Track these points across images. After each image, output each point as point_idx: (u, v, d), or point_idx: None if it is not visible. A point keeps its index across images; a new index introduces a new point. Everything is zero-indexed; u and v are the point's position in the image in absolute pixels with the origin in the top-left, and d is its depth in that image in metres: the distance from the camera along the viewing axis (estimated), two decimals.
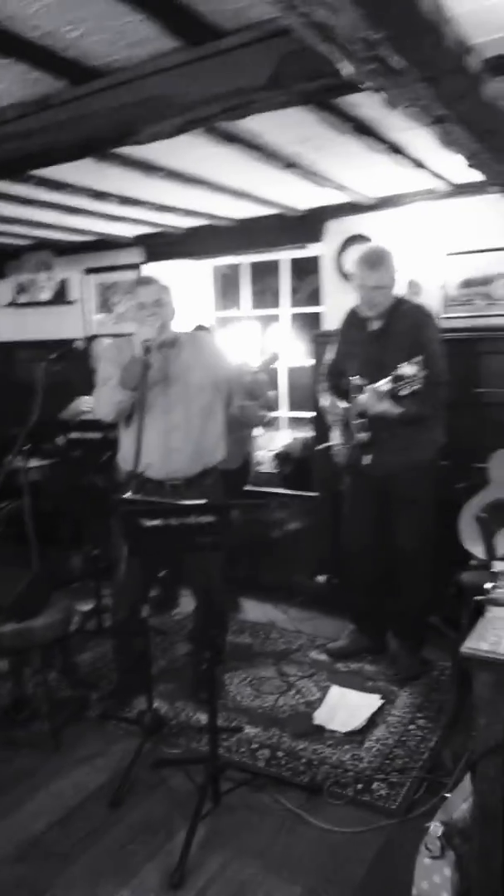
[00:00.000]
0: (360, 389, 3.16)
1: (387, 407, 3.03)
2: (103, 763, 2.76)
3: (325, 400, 3.50)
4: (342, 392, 3.37)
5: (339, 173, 3.42)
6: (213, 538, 2.24)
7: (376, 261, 3.10)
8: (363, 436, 3.20)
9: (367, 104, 2.42)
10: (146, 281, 2.96)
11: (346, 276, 4.19)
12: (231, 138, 2.71)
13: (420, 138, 2.76)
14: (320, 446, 3.66)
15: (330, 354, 3.58)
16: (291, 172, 3.25)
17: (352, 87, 1.83)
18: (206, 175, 3.31)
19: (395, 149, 2.98)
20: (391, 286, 3.16)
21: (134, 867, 2.21)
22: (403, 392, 2.84)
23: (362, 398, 3.08)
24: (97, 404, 2.95)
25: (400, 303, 3.24)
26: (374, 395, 3.00)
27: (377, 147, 2.91)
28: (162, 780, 2.64)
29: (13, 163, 2.42)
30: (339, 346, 3.48)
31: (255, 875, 2.16)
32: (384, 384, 2.92)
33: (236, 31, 1.88)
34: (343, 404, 3.34)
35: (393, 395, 2.95)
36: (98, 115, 2.17)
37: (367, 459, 3.23)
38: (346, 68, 1.59)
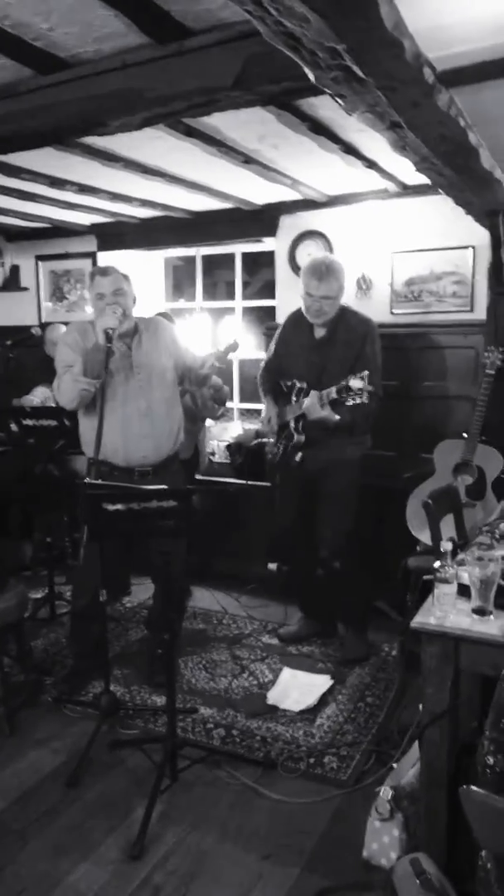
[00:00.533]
0: (302, 393, 3.27)
1: (327, 413, 3.12)
2: (59, 745, 2.80)
3: (266, 403, 3.58)
4: (280, 392, 3.47)
5: (295, 170, 3.51)
6: (174, 523, 2.31)
7: (325, 272, 3.17)
8: (300, 437, 3.31)
9: (324, 105, 2.51)
10: (105, 271, 2.99)
11: (299, 270, 4.29)
12: (191, 132, 2.76)
13: (373, 140, 2.85)
14: (254, 442, 3.76)
15: (267, 354, 3.66)
16: (248, 168, 3.32)
17: (314, 90, 1.91)
18: (165, 167, 3.36)
19: (349, 149, 3.08)
20: (338, 297, 3.25)
21: (93, 842, 2.27)
22: (348, 403, 2.97)
23: (306, 402, 3.17)
24: (59, 392, 2.97)
25: (345, 312, 3.32)
26: (318, 401, 3.10)
27: (332, 147, 3.01)
28: (119, 760, 2.70)
29: None
30: (278, 345, 3.55)
31: (212, 845, 2.25)
32: (331, 392, 3.04)
33: (204, 31, 1.94)
34: (273, 412, 3.45)
35: (335, 403, 3.07)
36: (65, 104, 2.20)
37: (298, 457, 3.34)
38: (311, 74, 1.67)
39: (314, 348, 3.34)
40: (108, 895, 2.05)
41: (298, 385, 3.31)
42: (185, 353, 3.15)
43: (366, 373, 2.94)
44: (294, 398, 3.33)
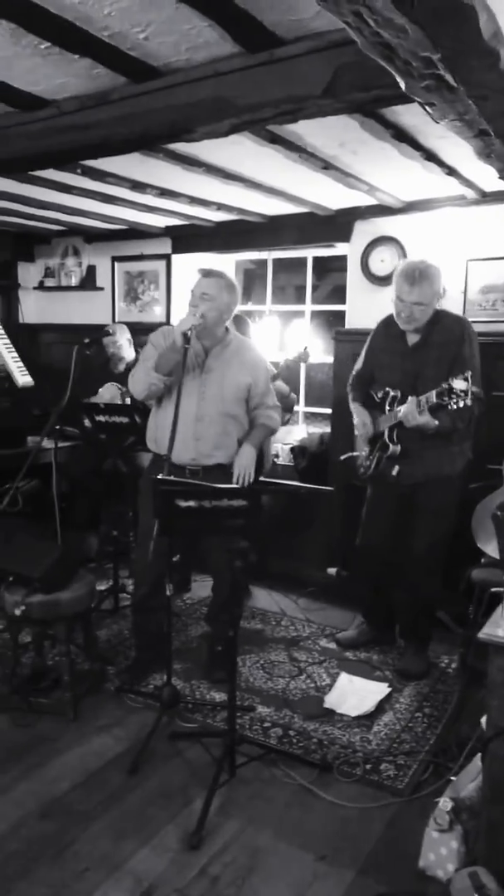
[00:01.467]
0: (396, 401, 3.21)
1: (426, 420, 3.02)
2: (121, 733, 2.87)
3: (354, 409, 3.50)
4: (372, 402, 3.41)
5: (372, 176, 3.52)
6: (243, 521, 2.35)
7: (418, 277, 3.06)
8: (395, 448, 3.23)
9: (408, 113, 2.51)
10: (208, 272, 3.03)
11: (371, 276, 4.29)
12: (274, 139, 2.80)
13: (456, 147, 2.85)
14: (343, 457, 3.70)
15: (357, 363, 3.58)
16: (326, 174, 3.35)
17: (403, 98, 1.92)
18: (245, 172, 3.41)
19: (430, 156, 3.07)
20: (432, 303, 3.12)
21: (153, 828, 2.33)
22: (452, 406, 2.85)
23: (403, 409, 3.06)
24: (132, 381, 3.09)
25: (438, 314, 3.19)
26: (416, 407, 3.01)
27: (412, 153, 3.01)
28: (178, 751, 2.75)
29: (68, 153, 2.52)
30: (368, 355, 3.47)
31: (268, 841, 2.28)
32: (430, 396, 2.95)
33: (295, 41, 1.98)
34: (367, 417, 3.40)
35: (434, 408, 2.98)
36: (155, 111, 2.27)
37: (395, 470, 3.25)
38: (403, 83, 1.69)
39: (407, 355, 3.23)
40: (167, 881, 2.10)
41: (392, 393, 3.23)
42: (260, 383, 3.15)
43: (469, 373, 2.83)
44: (388, 407, 3.25)
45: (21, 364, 3.70)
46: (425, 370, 3.15)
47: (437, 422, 3.04)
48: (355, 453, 3.52)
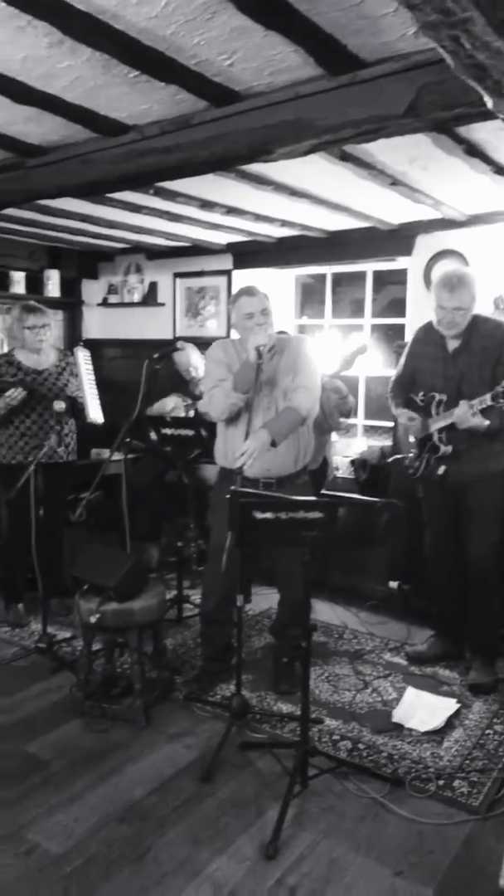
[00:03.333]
0: (442, 404, 3.28)
1: (479, 421, 3.12)
2: (192, 741, 2.91)
3: (400, 413, 3.54)
4: (414, 406, 3.46)
5: (440, 191, 3.53)
6: (318, 533, 2.38)
7: (457, 283, 3.16)
8: (447, 448, 3.30)
9: (483, 129, 2.53)
10: (251, 291, 3.10)
11: None
12: (346, 157, 2.85)
13: None
14: (391, 458, 3.75)
15: (397, 369, 3.66)
16: (394, 189, 3.38)
17: (485, 115, 1.95)
18: (312, 189, 3.47)
19: (500, 169, 3.08)
20: (471, 308, 3.21)
21: (229, 837, 2.35)
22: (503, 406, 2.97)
23: (456, 412, 3.16)
24: (211, 405, 3.13)
25: (476, 320, 3.27)
26: (469, 410, 3.10)
27: (483, 168, 3.02)
28: (249, 761, 2.78)
29: (148, 175, 2.61)
30: (408, 360, 3.55)
31: (344, 854, 2.28)
32: (485, 399, 3.04)
33: (378, 62, 2.02)
34: (414, 416, 3.43)
35: (485, 409, 3.08)
36: (235, 134, 2.34)
37: (441, 470, 3.33)
38: (490, 102, 1.71)
39: (449, 360, 3.32)
40: (245, 890, 2.12)
41: (438, 397, 3.31)
42: (303, 369, 3.14)
43: None
44: (434, 411, 3.33)
45: (97, 402, 3.85)
46: (469, 374, 3.24)
47: (487, 422, 3.12)
48: (401, 455, 3.60)
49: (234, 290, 5.19)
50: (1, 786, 2.59)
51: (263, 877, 2.18)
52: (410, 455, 3.52)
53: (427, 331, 3.45)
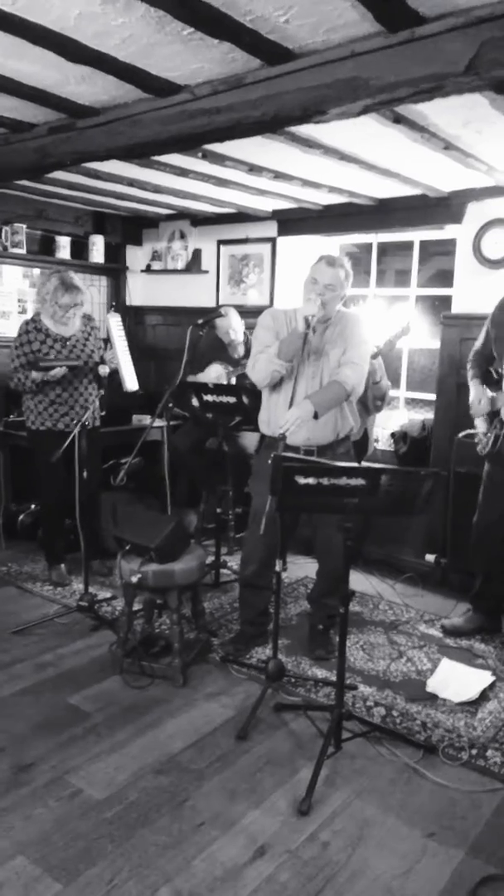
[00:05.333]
0: None
1: None
2: (228, 701, 2.98)
3: (474, 387, 3.50)
4: (491, 380, 3.40)
5: (494, 156, 3.43)
6: (359, 501, 2.38)
7: None
8: None
9: None
10: (332, 261, 3.03)
11: (484, 259, 4.19)
12: (398, 119, 2.78)
13: None
14: (462, 434, 3.69)
15: (478, 341, 3.58)
16: (447, 153, 3.29)
17: None
18: (361, 154, 3.40)
19: None
20: None
21: (263, 792, 2.41)
22: None
23: None
24: (254, 370, 3.13)
25: None
26: None
27: None
28: (284, 722, 2.83)
29: (199, 136, 2.59)
30: (490, 330, 3.47)
31: (376, 814, 2.32)
32: None
33: (438, 18, 1.96)
34: (483, 394, 3.37)
35: None
36: (288, 94, 2.30)
37: None
38: None
39: None
40: (279, 842, 2.18)
41: None
42: (354, 346, 3.11)
43: None
44: None
45: (132, 370, 3.85)
46: None
47: None
48: (473, 431, 3.52)
49: (278, 258, 5.17)
50: (46, 733, 2.70)
51: (297, 831, 2.23)
52: (480, 431, 3.45)
53: None
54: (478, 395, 3.42)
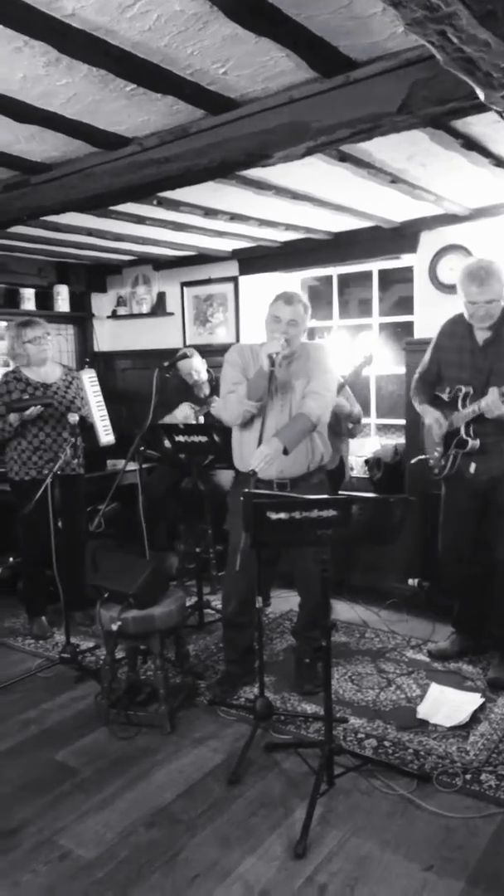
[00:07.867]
0: (469, 397, 3.25)
1: None
2: (218, 745, 2.93)
3: (425, 411, 3.53)
4: (440, 402, 3.45)
5: (440, 186, 3.54)
6: (332, 531, 2.39)
7: (485, 276, 3.13)
8: (476, 443, 3.26)
9: (478, 122, 2.55)
10: (290, 299, 3.08)
11: (440, 285, 4.29)
12: (344, 157, 2.87)
13: None
14: (415, 459, 3.71)
15: (421, 366, 3.62)
16: (394, 187, 3.39)
17: (478, 108, 1.97)
18: (313, 192, 3.49)
19: (500, 161, 3.08)
20: (501, 298, 3.19)
21: (258, 837, 2.36)
22: None
23: (484, 402, 3.12)
24: (226, 410, 3.16)
25: None
26: (500, 397, 3.06)
27: (482, 161, 3.03)
28: (275, 762, 2.79)
29: (149, 186, 2.65)
30: (434, 354, 3.51)
31: (373, 851, 2.28)
32: None
33: (370, 62, 2.04)
34: (440, 415, 3.41)
35: None
36: (232, 140, 2.38)
37: (472, 467, 3.29)
38: (482, 94, 1.73)
39: (478, 351, 3.29)
40: (276, 889, 2.13)
41: (465, 390, 3.29)
42: (317, 375, 3.15)
43: None
44: (461, 404, 3.30)
45: (107, 423, 3.87)
46: (499, 364, 3.22)
47: None
48: (426, 455, 3.55)
49: (242, 297, 5.25)
50: (32, 794, 2.63)
51: (293, 875, 2.19)
52: (435, 454, 3.47)
53: (454, 323, 3.44)
54: (435, 417, 3.44)
